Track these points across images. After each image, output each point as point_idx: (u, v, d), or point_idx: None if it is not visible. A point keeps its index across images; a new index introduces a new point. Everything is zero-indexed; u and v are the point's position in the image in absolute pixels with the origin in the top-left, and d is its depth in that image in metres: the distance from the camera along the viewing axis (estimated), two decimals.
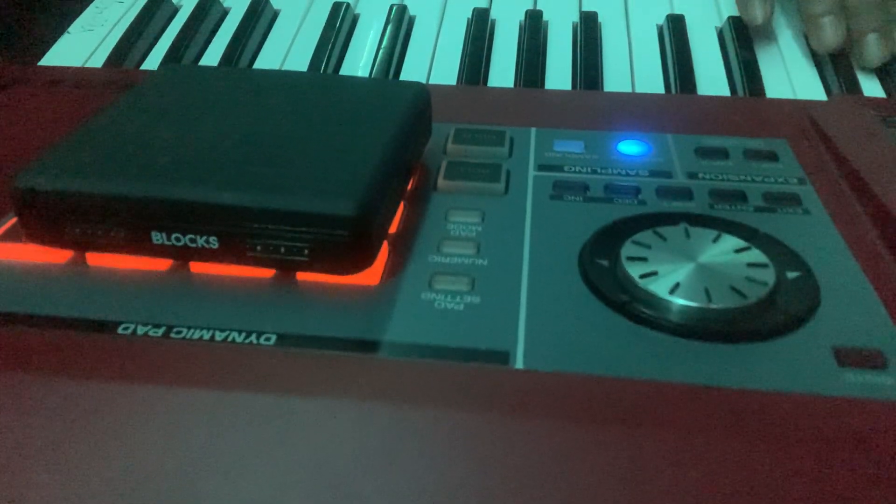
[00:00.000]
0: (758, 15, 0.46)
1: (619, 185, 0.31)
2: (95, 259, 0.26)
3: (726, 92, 0.44)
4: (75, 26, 0.52)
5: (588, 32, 0.48)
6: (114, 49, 0.48)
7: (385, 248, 0.27)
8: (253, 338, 0.23)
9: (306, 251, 0.24)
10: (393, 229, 0.28)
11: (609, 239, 0.27)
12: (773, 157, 0.33)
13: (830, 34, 0.44)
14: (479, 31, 0.49)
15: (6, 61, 0.48)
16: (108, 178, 0.25)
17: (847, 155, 0.31)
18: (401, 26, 0.50)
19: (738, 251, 0.26)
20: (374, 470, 0.19)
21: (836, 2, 0.45)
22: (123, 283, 0.25)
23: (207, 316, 0.24)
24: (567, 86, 0.45)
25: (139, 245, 0.25)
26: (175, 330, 0.23)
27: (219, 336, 0.23)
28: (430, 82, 0.46)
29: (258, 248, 0.24)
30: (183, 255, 0.25)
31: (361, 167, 0.25)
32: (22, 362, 0.22)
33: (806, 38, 0.47)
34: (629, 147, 0.34)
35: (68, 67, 0.46)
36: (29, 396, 0.21)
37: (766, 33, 0.49)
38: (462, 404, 0.21)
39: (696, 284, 0.24)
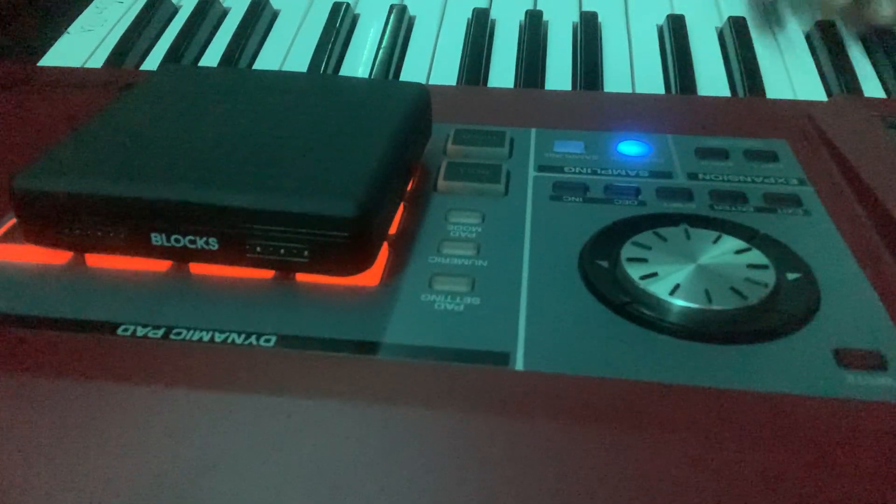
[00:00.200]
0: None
1: (619, 186, 0.31)
2: (95, 260, 0.26)
3: (726, 92, 0.44)
4: (75, 26, 0.51)
5: (588, 32, 0.48)
6: (114, 49, 0.48)
7: (385, 248, 0.27)
8: (253, 339, 0.23)
9: (306, 252, 0.24)
10: (393, 230, 0.28)
11: (609, 240, 0.27)
12: (773, 157, 0.33)
13: None
14: (479, 31, 0.49)
15: (6, 61, 0.48)
16: (108, 178, 0.25)
17: (847, 155, 0.31)
18: (401, 26, 0.50)
19: (738, 252, 0.26)
20: (374, 470, 0.19)
21: None
22: (123, 284, 0.25)
23: (207, 317, 0.24)
24: (567, 86, 0.45)
25: (139, 246, 0.25)
26: (175, 331, 0.23)
27: (219, 337, 0.23)
28: (430, 82, 0.46)
29: (258, 249, 0.24)
30: (182, 257, 0.25)
31: (361, 168, 0.25)
32: (22, 362, 0.22)
33: (807, 38, 0.47)
34: (629, 148, 0.34)
35: (68, 67, 0.46)
36: (29, 396, 0.21)
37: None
38: (462, 405, 0.21)
39: (696, 285, 0.24)
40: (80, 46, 0.49)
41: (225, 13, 0.53)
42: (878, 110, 0.35)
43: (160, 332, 0.23)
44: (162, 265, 0.26)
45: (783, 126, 0.36)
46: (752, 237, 0.27)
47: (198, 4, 0.52)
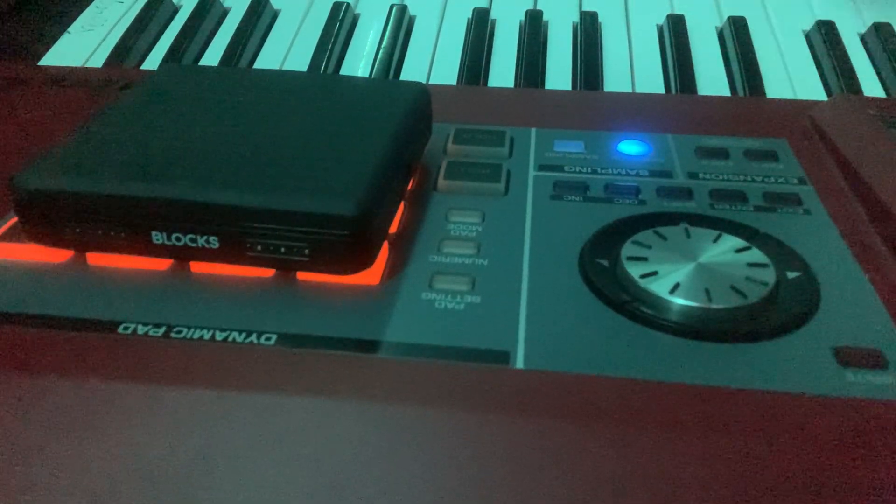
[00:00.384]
0: None
1: (619, 185, 0.31)
2: (96, 259, 0.26)
3: (726, 92, 0.44)
4: (75, 26, 0.52)
5: (588, 32, 0.48)
6: (114, 49, 0.48)
7: (385, 248, 0.27)
8: (253, 338, 0.23)
9: (306, 251, 0.24)
10: (393, 229, 0.28)
11: (609, 239, 0.27)
12: (773, 156, 0.33)
13: None
14: (479, 31, 0.49)
15: (6, 61, 0.48)
16: (109, 178, 0.25)
17: (847, 155, 0.31)
18: (401, 26, 0.50)
19: (738, 251, 0.26)
20: (375, 468, 0.19)
21: None
22: (124, 282, 0.25)
23: (208, 316, 0.24)
24: (567, 86, 0.45)
25: (139, 245, 0.25)
26: (175, 330, 0.23)
27: (219, 336, 0.23)
28: (430, 82, 0.46)
29: (258, 247, 0.24)
30: (183, 255, 0.25)
31: (361, 167, 0.25)
32: (22, 362, 0.22)
33: (806, 38, 0.47)
34: (629, 147, 0.34)
35: (68, 67, 0.46)
36: (29, 396, 0.21)
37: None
38: (462, 404, 0.21)
39: (696, 284, 0.24)
40: (80, 46, 0.49)
41: (225, 13, 0.53)
42: (878, 110, 0.35)
43: (161, 331, 0.23)
44: (162, 264, 0.26)
45: (783, 126, 0.36)
46: (752, 236, 0.27)
47: (198, 4, 0.52)
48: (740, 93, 0.44)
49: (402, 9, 0.51)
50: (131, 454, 0.20)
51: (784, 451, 0.19)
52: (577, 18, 0.51)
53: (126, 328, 0.23)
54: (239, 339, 0.23)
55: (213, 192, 0.24)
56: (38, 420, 0.20)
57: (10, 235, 0.28)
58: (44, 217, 0.25)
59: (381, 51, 0.48)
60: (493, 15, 0.51)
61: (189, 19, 0.51)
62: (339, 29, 0.50)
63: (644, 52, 0.48)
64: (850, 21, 0.50)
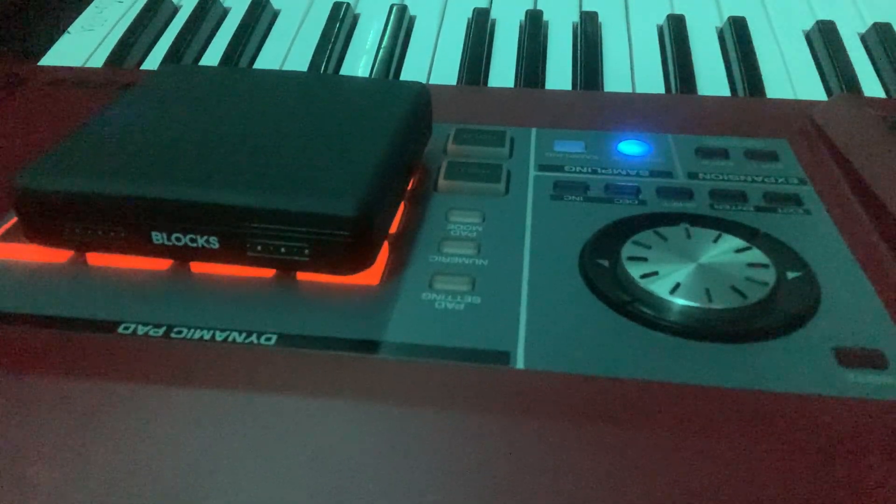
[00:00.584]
0: None
1: (619, 185, 0.31)
2: (96, 259, 0.26)
3: (726, 92, 0.44)
4: (75, 26, 0.51)
5: (588, 32, 0.48)
6: (114, 49, 0.48)
7: (385, 248, 0.27)
8: (253, 338, 0.23)
9: (307, 251, 0.24)
10: (393, 229, 0.28)
11: (609, 239, 0.27)
12: (773, 157, 0.33)
13: None
14: (479, 31, 0.49)
15: (6, 61, 0.48)
16: (109, 178, 0.25)
17: (847, 155, 0.31)
18: (401, 26, 0.50)
19: (738, 251, 0.26)
20: (375, 469, 0.19)
21: None
22: (123, 283, 0.25)
23: (208, 316, 0.24)
24: (567, 86, 0.45)
25: (139, 245, 0.25)
26: (175, 330, 0.23)
27: (219, 336, 0.23)
28: (430, 82, 0.46)
29: (258, 248, 0.24)
30: (183, 255, 0.25)
31: (361, 167, 0.25)
32: (22, 362, 0.22)
33: (807, 38, 0.47)
34: (629, 147, 0.34)
35: (68, 67, 0.46)
36: (29, 396, 0.21)
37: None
38: (462, 404, 0.21)
39: (696, 284, 0.24)
40: (80, 46, 0.49)
41: (225, 13, 0.53)
42: (878, 110, 0.35)
43: (161, 331, 0.23)
44: (163, 264, 0.26)
45: (783, 126, 0.36)
46: (752, 236, 0.27)
47: (198, 4, 0.52)
48: (740, 93, 0.44)
49: (402, 9, 0.51)
50: (131, 454, 0.20)
51: (784, 451, 0.19)
52: (577, 18, 0.51)
53: (126, 328, 0.23)
54: (239, 340, 0.23)
55: (213, 192, 0.24)
56: (38, 420, 0.20)
57: (10, 235, 0.28)
58: (44, 217, 0.25)
59: (381, 51, 0.48)
60: (493, 15, 0.51)
61: (189, 19, 0.51)
62: (339, 29, 0.50)
63: (644, 52, 0.48)
64: (850, 21, 0.50)
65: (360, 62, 0.48)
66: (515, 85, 0.45)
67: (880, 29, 0.48)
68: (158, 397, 0.21)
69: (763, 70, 0.45)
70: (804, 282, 0.25)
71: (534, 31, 0.49)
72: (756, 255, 0.26)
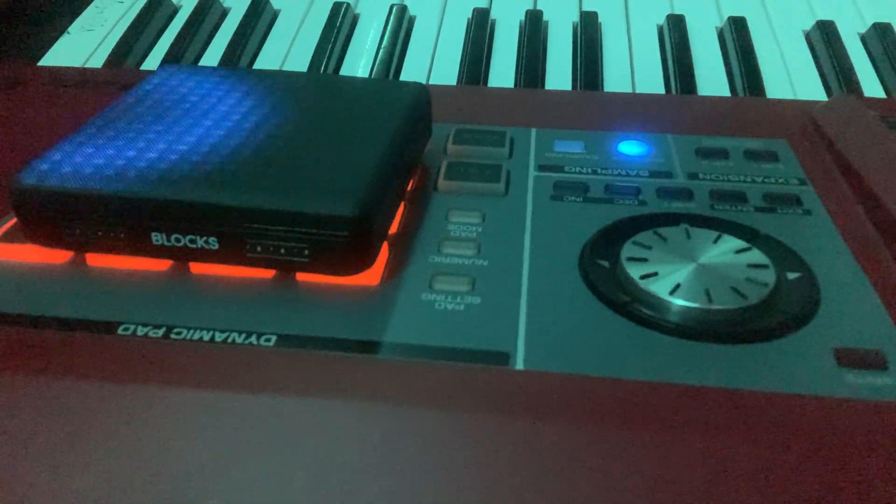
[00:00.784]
0: None
1: (619, 186, 0.31)
2: (95, 259, 0.26)
3: (726, 92, 0.44)
4: (75, 26, 0.52)
5: (588, 32, 0.48)
6: (114, 49, 0.48)
7: (385, 248, 0.27)
8: (253, 338, 0.23)
9: (306, 252, 0.24)
10: (393, 229, 0.28)
11: (609, 239, 0.27)
12: (773, 157, 0.33)
13: None
14: (479, 31, 0.49)
15: (6, 61, 0.48)
16: (109, 178, 0.25)
17: (847, 155, 0.31)
18: (401, 26, 0.50)
19: (738, 252, 0.26)
20: (374, 470, 0.19)
21: None
22: (123, 283, 0.25)
23: (207, 316, 0.24)
24: (567, 86, 0.45)
25: (139, 245, 0.25)
26: (175, 330, 0.23)
27: (219, 337, 0.23)
28: (430, 82, 0.46)
29: (258, 248, 0.24)
30: (183, 256, 0.25)
31: (361, 167, 0.25)
32: (22, 362, 0.22)
33: (807, 38, 0.47)
34: (629, 147, 0.34)
35: (68, 67, 0.46)
36: (29, 396, 0.21)
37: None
38: (462, 405, 0.21)
39: (696, 285, 0.24)
40: (80, 46, 0.49)
41: (225, 13, 0.53)
42: (878, 110, 0.35)
43: (160, 332, 0.23)
44: (162, 265, 0.26)
45: (783, 126, 0.36)
46: (752, 237, 0.27)
47: (198, 4, 0.52)
48: (740, 93, 0.44)
49: (402, 9, 0.51)
50: (131, 455, 0.20)
51: (784, 451, 0.19)
52: (577, 18, 0.51)
53: (126, 329, 0.23)
54: (239, 340, 0.23)
55: (213, 192, 0.24)
56: (37, 420, 0.20)
57: (10, 235, 0.28)
58: (44, 217, 0.25)
59: (381, 51, 0.48)
60: (493, 15, 0.51)
61: (189, 19, 0.51)
62: (339, 29, 0.50)
63: (644, 52, 0.48)
64: (850, 21, 0.50)
65: (360, 62, 0.48)
66: (515, 85, 0.45)
67: (880, 29, 0.48)
68: (158, 398, 0.21)
69: (763, 70, 0.45)
70: (804, 282, 0.25)
71: (534, 31, 0.49)
72: (756, 255, 0.26)
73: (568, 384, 0.22)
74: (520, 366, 0.22)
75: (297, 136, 0.27)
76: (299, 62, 0.48)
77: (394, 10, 0.51)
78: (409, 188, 0.31)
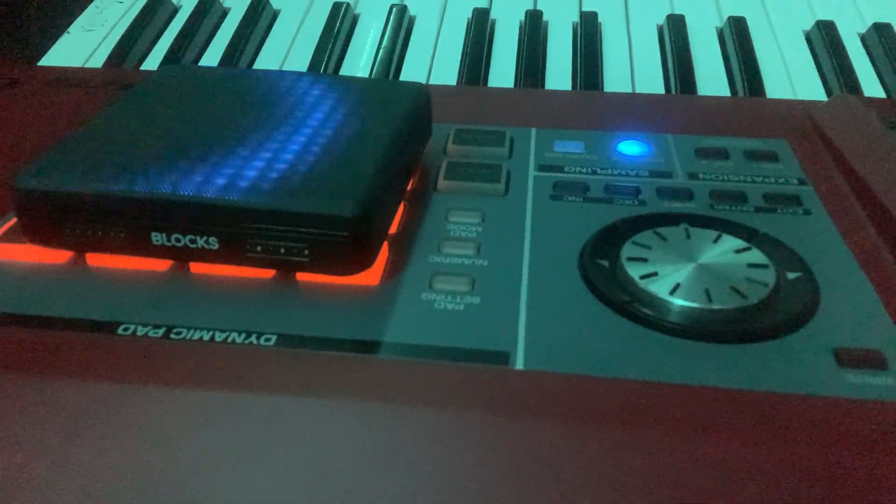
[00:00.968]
0: None
1: (619, 186, 0.31)
2: (95, 259, 0.26)
3: (726, 92, 0.44)
4: (75, 26, 0.52)
5: (588, 32, 0.48)
6: (114, 49, 0.48)
7: (385, 248, 0.27)
8: (253, 338, 0.23)
9: (306, 251, 0.24)
10: (393, 229, 0.28)
11: (609, 239, 0.27)
12: (773, 157, 0.33)
13: None
14: (479, 31, 0.49)
15: (6, 61, 0.48)
16: (108, 178, 0.25)
17: (847, 155, 0.31)
18: (401, 26, 0.50)
19: (738, 252, 0.26)
20: (374, 470, 0.19)
21: None
22: (123, 283, 0.25)
23: (207, 316, 0.24)
24: (567, 86, 0.45)
25: (139, 245, 0.25)
26: (175, 330, 0.23)
27: (219, 336, 0.23)
28: (430, 82, 0.46)
29: (258, 248, 0.24)
30: (183, 256, 0.25)
31: (361, 167, 0.25)
32: (22, 362, 0.22)
33: (807, 38, 0.47)
34: (629, 147, 0.34)
35: (68, 67, 0.46)
36: (29, 396, 0.21)
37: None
38: (462, 405, 0.21)
39: (696, 285, 0.24)
40: (80, 46, 0.49)
41: (225, 13, 0.53)
42: (878, 110, 0.35)
43: (160, 332, 0.23)
44: (162, 264, 0.26)
45: (783, 126, 0.36)
46: (752, 237, 0.27)
47: (198, 4, 0.52)
48: (740, 93, 0.44)
49: (402, 9, 0.51)
50: (131, 455, 0.20)
51: (784, 452, 0.19)
52: (577, 18, 0.51)
53: (126, 329, 0.23)
54: (239, 340, 0.23)
55: (213, 192, 0.24)
56: (37, 420, 0.20)
57: (10, 235, 0.28)
58: (44, 217, 0.25)
59: (381, 51, 0.48)
60: (493, 15, 0.51)
61: (189, 19, 0.51)
62: (339, 29, 0.50)
63: (644, 52, 0.48)
64: (850, 21, 0.50)
65: (360, 62, 0.48)
66: (515, 85, 0.45)
67: (880, 29, 0.48)
68: (158, 398, 0.21)
69: (763, 70, 0.45)
70: (804, 282, 0.25)
71: (534, 31, 0.49)
72: (756, 255, 0.26)
73: (568, 384, 0.22)
74: (519, 366, 0.22)
75: (297, 135, 0.27)
76: (299, 62, 0.48)
77: (394, 10, 0.51)
78: (409, 188, 0.31)
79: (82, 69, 0.46)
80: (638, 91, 0.44)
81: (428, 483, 0.19)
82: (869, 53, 0.47)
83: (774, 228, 0.28)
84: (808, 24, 0.50)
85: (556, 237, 0.28)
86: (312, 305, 0.24)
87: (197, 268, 0.26)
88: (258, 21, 0.51)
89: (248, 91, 0.31)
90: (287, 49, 0.49)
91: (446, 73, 0.46)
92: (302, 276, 0.25)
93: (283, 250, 0.24)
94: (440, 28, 0.50)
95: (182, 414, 0.21)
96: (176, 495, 0.19)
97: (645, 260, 0.25)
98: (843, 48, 0.47)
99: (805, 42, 0.48)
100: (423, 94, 0.31)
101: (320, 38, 0.49)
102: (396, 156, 0.27)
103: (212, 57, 0.49)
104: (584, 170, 0.32)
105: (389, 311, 0.24)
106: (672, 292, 0.24)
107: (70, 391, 0.21)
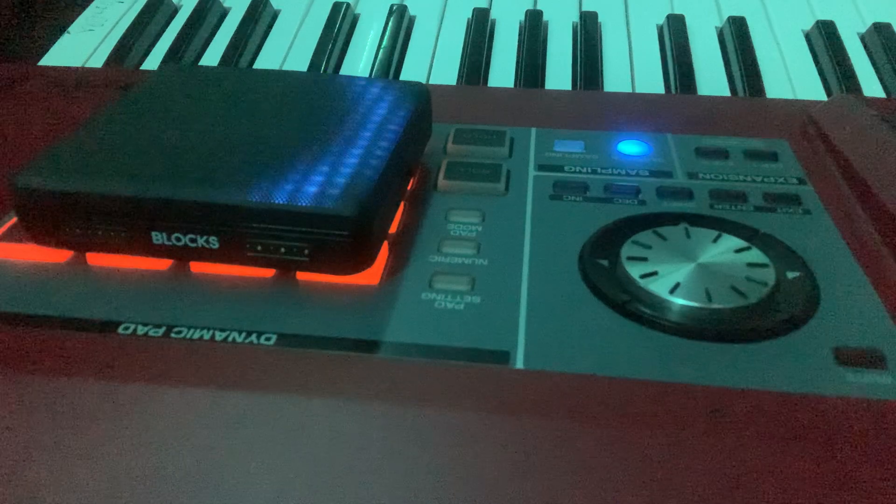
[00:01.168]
0: None
1: (619, 185, 0.31)
2: (95, 259, 0.26)
3: (726, 92, 0.44)
4: (75, 26, 0.52)
5: (588, 32, 0.48)
6: (114, 49, 0.48)
7: (385, 248, 0.27)
8: (253, 338, 0.23)
9: (306, 251, 0.24)
10: (393, 229, 0.28)
11: (609, 239, 0.27)
12: (773, 157, 0.33)
13: None
14: (479, 31, 0.49)
15: (6, 61, 0.48)
16: (108, 178, 0.25)
17: (847, 155, 0.31)
18: (401, 26, 0.50)
19: (738, 251, 0.26)
20: (375, 468, 0.19)
21: None
22: (123, 283, 0.25)
23: (207, 316, 0.24)
24: (567, 86, 0.45)
25: (139, 245, 0.25)
26: (175, 330, 0.23)
27: (219, 336, 0.23)
28: (430, 82, 0.46)
29: (258, 247, 0.24)
30: (183, 255, 0.25)
31: (361, 167, 0.25)
32: (22, 362, 0.22)
33: (807, 38, 0.47)
34: (629, 147, 0.34)
35: (68, 67, 0.46)
36: (29, 396, 0.21)
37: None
38: (462, 404, 0.21)
39: (696, 284, 0.24)
40: (80, 46, 0.50)
41: (225, 13, 0.53)
42: (878, 110, 0.35)
43: (161, 331, 0.23)
44: (162, 264, 0.26)
45: (783, 126, 0.36)
46: (752, 236, 0.27)
47: (198, 4, 0.52)
48: (740, 93, 0.44)
49: (402, 9, 0.51)
50: (131, 455, 0.20)
51: (784, 451, 0.19)
52: (577, 18, 0.51)
53: (126, 328, 0.23)
54: (239, 340, 0.23)
55: (213, 192, 0.24)
56: (37, 420, 0.20)
57: (10, 235, 0.28)
58: (44, 217, 0.25)
59: (381, 51, 0.48)
60: (493, 15, 0.51)
61: (189, 19, 0.51)
62: (339, 29, 0.50)
63: (644, 52, 0.48)
64: (850, 21, 0.50)
65: (360, 62, 0.48)
66: (515, 85, 0.45)
67: (880, 29, 0.48)
68: (158, 397, 0.21)
69: (763, 70, 0.45)
70: (804, 282, 0.25)
71: (534, 31, 0.49)
72: (756, 255, 0.26)
73: (568, 383, 0.22)
74: (520, 365, 0.22)
75: (297, 135, 0.27)
76: (299, 62, 0.48)
77: (394, 10, 0.51)
78: (409, 188, 0.31)
79: (82, 69, 0.46)
80: (638, 91, 0.44)
81: (428, 482, 0.19)
82: (869, 53, 0.47)
83: (774, 228, 0.28)
84: (808, 24, 0.50)
85: (556, 237, 0.28)
86: (312, 305, 0.24)
87: (197, 267, 0.26)
88: (258, 21, 0.51)
89: (248, 91, 0.31)
90: (287, 49, 0.49)
91: (446, 72, 0.46)
92: (302, 276, 0.25)
93: (283, 250, 0.24)
94: (440, 28, 0.50)
95: (182, 413, 0.21)
96: (176, 495, 0.19)
97: (645, 259, 0.25)
98: (843, 48, 0.47)
99: (805, 42, 0.48)
100: (423, 94, 0.31)
101: (320, 38, 0.49)
102: (396, 155, 0.27)
103: (212, 57, 0.49)
104: (584, 169, 0.32)
105: (389, 310, 0.24)
106: (672, 292, 0.24)
107: (70, 391, 0.21)
